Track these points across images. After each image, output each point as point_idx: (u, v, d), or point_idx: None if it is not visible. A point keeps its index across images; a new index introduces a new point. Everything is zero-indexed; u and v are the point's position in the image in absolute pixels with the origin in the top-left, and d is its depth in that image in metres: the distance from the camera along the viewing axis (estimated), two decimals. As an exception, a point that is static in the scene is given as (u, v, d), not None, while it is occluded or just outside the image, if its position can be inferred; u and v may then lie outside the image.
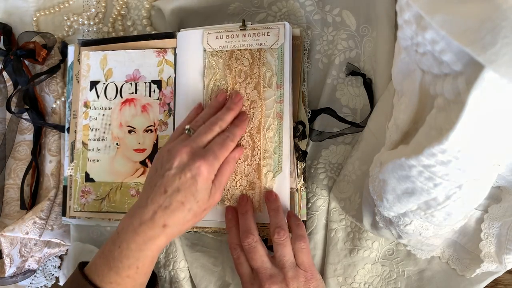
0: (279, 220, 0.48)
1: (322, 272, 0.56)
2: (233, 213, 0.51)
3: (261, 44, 0.52)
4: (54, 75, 0.65)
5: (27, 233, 0.59)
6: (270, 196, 0.50)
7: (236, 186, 0.52)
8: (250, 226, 0.48)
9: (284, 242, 0.46)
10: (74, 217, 0.59)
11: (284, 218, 0.48)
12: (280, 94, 0.51)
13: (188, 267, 0.59)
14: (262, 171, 0.51)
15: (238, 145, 0.51)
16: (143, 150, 0.57)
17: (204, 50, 0.54)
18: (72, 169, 0.59)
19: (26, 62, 0.65)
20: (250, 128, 0.52)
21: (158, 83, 0.56)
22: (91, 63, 0.58)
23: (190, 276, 0.59)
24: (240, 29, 0.53)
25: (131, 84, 0.57)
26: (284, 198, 0.50)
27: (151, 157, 0.56)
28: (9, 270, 0.59)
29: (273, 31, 0.52)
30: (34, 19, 0.67)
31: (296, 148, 0.52)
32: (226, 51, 0.53)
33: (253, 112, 0.52)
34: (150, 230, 0.43)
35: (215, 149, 0.46)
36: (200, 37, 0.55)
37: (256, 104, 0.52)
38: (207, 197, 0.45)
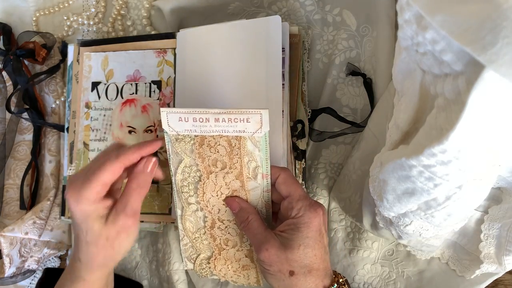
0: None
1: (322, 272, 0.56)
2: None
3: (239, 131, 0.42)
4: (54, 75, 0.65)
5: (26, 233, 0.59)
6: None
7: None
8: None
9: (291, 178, 0.43)
10: (73, 217, 0.59)
11: None
12: (267, 183, 0.44)
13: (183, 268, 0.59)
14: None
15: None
16: (143, 150, 0.56)
17: (166, 133, 0.44)
18: (72, 169, 0.59)
19: (26, 62, 0.65)
20: (233, 218, 0.46)
21: (158, 83, 0.56)
22: (92, 64, 0.58)
23: (185, 279, 0.59)
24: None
25: (131, 84, 0.57)
26: None
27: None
28: (9, 270, 0.59)
29: (254, 118, 0.41)
30: (34, 19, 0.67)
31: (295, 147, 0.52)
32: (195, 136, 0.43)
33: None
34: (68, 270, 0.44)
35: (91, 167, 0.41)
36: (199, 35, 0.52)
37: (239, 193, 0.45)
38: (97, 225, 0.40)
